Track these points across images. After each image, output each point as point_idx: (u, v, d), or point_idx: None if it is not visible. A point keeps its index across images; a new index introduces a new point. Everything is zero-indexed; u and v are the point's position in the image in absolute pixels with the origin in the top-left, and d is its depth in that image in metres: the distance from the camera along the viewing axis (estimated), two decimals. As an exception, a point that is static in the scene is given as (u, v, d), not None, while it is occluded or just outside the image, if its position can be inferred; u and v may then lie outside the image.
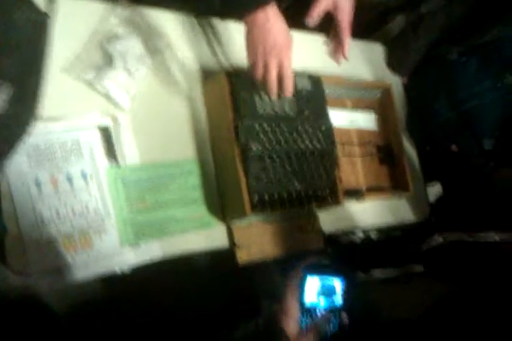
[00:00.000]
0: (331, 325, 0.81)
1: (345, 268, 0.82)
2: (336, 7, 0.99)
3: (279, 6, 1.11)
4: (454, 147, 1.43)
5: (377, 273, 1.21)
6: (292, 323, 0.78)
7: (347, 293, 0.82)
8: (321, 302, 0.81)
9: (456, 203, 1.47)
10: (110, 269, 0.96)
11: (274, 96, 1.00)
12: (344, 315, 0.82)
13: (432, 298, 1.02)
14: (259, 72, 0.96)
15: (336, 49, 1.10)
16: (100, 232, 0.97)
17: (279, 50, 0.93)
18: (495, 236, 1.11)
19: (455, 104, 1.41)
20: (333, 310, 0.81)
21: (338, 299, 0.82)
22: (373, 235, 1.46)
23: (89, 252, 0.95)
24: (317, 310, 0.81)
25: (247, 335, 0.80)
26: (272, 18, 0.92)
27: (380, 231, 1.47)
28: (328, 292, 0.81)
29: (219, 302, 1.04)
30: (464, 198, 1.45)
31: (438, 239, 1.20)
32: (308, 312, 0.80)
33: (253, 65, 0.96)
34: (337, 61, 1.10)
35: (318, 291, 0.81)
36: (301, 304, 0.80)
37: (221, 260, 1.08)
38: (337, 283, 0.82)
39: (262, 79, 0.98)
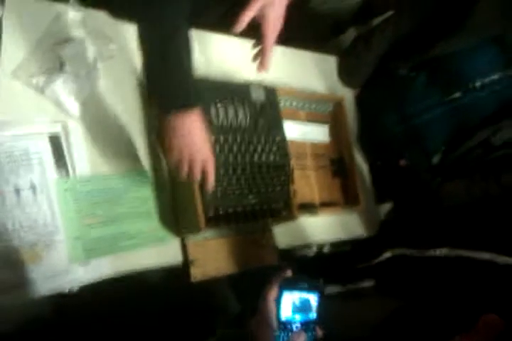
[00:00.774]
0: (308, 338, 0.81)
1: (319, 282, 0.82)
2: (262, 16, 0.99)
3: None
4: (402, 162, 1.46)
5: (328, 289, 1.22)
6: (267, 338, 0.78)
7: (321, 307, 0.82)
8: (297, 317, 0.81)
9: (405, 219, 1.50)
10: (59, 287, 0.91)
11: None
12: (319, 329, 0.82)
13: (382, 314, 1.03)
14: (184, 171, 0.95)
15: (260, 58, 1.09)
16: (49, 248, 0.91)
17: (204, 153, 0.94)
18: (442, 251, 1.14)
19: (404, 119, 1.44)
20: (308, 324, 0.81)
21: (313, 313, 0.82)
22: (326, 249, 1.48)
23: (37, 269, 0.89)
24: (293, 325, 0.80)
25: None
26: (197, 120, 0.93)
27: (333, 245, 1.48)
28: (303, 306, 0.81)
29: (172, 320, 1.02)
30: (414, 214, 1.49)
31: (386, 254, 1.22)
32: (284, 327, 0.80)
33: (178, 164, 0.94)
34: (259, 69, 1.09)
35: (294, 306, 0.81)
36: (277, 319, 0.80)
37: (175, 277, 1.05)
38: (311, 298, 0.81)
39: (185, 177, 0.97)
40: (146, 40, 0.91)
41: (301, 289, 0.81)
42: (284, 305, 0.80)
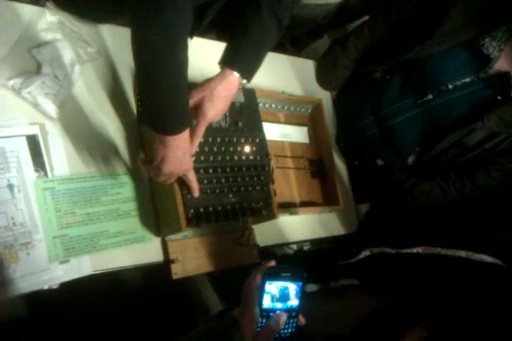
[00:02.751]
0: (289, 325, 0.83)
1: (302, 272, 0.83)
2: (200, 108, 1.01)
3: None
4: (378, 162, 1.48)
5: (309, 287, 1.22)
6: (251, 326, 0.79)
7: (302, 296, 0.83)
8: (279, 305, 0.82)
9: (383, 218, 1.52)
10: (38, 286, 0.90)
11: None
12: (301, 317, 0.84)
13: (362, 310, 1.04)
14: (162, 179, 1.00)
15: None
16: (27, 247, 0.91)
17: (186, 170, 0.99)
18: (418, 250, 1.16)
19: (379, 120, 1.46)
20: (290, 312, 0.82)
21: (295, 301, 0.83)
22: (306, 248, 1.49)
23: (15, 268, 0.89)
24: (275, 313, 0.82)
25: (205, 337, 0.79)
26: (187, 137, 0.96)
27: (312, 243, 1.49)
28: (285, 295, 0.82)
29: (152, 317, 1.01)
30: (390, 213, 1.50)
31: (365, 253, 1.23)
32: (266, 314, 0.81)
33: (159, 174, 0.98)
34: None
35: (276, 294, 0.82)
36: (260, 307, 0.81)
37: (155, 274, 1.05)
38: (294, 287, 0.83)
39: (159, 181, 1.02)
40: (142, 53, 0.86)
41: (284, 278, 0.82)
42: (266, 294, 0.81)
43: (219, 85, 1.01)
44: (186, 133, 0.94)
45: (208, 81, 1.02)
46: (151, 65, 0.85)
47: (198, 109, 1.02)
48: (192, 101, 1.00)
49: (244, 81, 1.04)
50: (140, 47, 0.85)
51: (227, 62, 1.03)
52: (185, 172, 0.99)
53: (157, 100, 0.88)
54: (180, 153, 0.94)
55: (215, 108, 1.02)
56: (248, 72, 1.05)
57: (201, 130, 1.02)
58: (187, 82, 0.90)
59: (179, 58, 0.86)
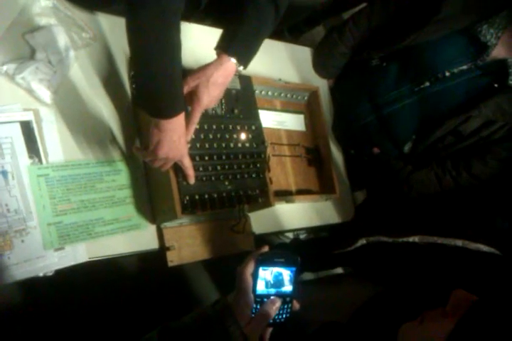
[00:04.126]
0: (284, 310, 0.83)
1: (295, 257, 0.84)
2: (195, 93, 1.00)
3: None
4: (375, 150, 1.48)
5: (306, 275, 1.22)
6: (245, 311, 0.79)
7: (296, 281, 0.83)
8: (272, 290, 0.83)
9: (378, 206, 1.52)
10: (32, 273, 0.90)
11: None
12: (295, 302, 0.84)
13: (358, 298, 1.04)
14: (158, 164, 1.00)
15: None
16: (22, 234, 0.90)
17: (181, 156, 0.99)
18: (415, 239, 1.16)
19: (375, 108, 1.46)
20: (284, 297, 0.83)
21: (289, 287, 0.84)
22: (302, 236, 1.49)
23: (9, 255, 0.88)
24: (269, 298, 0.82)
25: (198, 321, 0.79)
26: (183, 122, 0.95)
27: (308, 231, 1.49)
28: (279, 280, 0.83)
29: (148, 304, 1.01)
30: (386, 202, 1.50)
31: (361, 241, 1.24)
32: (260, 300, 0.81)
33: (154, 159, 0.98)
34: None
35: (270, 280, 0.82)
36: (254, 292, 0.81)
37: (151, 262, 1.05)
38: (288, 272, 0.83)
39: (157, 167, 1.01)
40: (135, 35, 0.85)
41: (277, 264, 0.82)
42: (260, 279, 0.81)
43: (215, 72, 1.00)
44: (181, 118, 0.93)
45: (204, 67, 1.01)
46: (144, 47, 0.85)
47: (193, 96, 1.01)
48: (187, 88, 1.00)
49: (241, 67, 1.03)
50: (133, 30, 0.84)
51: (224, 48, 1.01)
52: (180, 158, 0.99)
53: (150, 83, 0.88)
54: (176, 137, 0.94)
55: (211, 95, 1.01)
56: (245, 59, 1.04)
57: (196, 117, 1.02)
58: (181, 66, 0.89)
59: (172, 41, 0.85)
